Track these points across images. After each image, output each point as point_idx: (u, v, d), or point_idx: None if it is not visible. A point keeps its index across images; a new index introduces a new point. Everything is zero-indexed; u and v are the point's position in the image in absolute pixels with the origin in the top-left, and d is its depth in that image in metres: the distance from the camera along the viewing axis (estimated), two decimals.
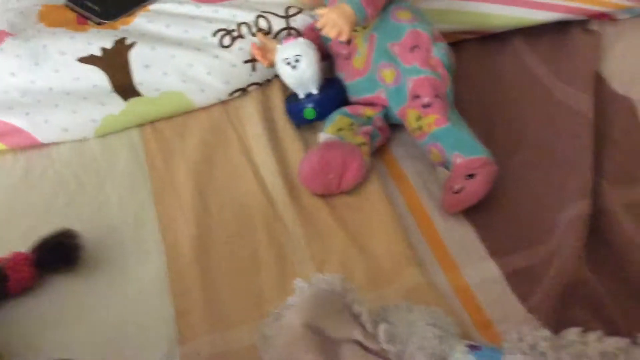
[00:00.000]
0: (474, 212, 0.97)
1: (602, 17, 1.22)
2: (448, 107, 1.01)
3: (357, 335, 0.65)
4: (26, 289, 0.90)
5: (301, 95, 1.09)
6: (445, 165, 0.98)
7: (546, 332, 0.68)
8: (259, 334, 0.67)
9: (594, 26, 1.22)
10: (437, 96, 1.00)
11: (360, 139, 1.02)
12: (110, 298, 0.92)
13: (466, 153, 0.96)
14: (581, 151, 1.00)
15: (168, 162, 1.09)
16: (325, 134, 1.03)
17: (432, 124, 0.99)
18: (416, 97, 1.01)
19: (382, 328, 0.66)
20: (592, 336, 0.67)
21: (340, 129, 1.03)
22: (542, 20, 1.20)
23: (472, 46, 1.24)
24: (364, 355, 0.63)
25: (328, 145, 1.00)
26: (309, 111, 1.08)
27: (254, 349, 0.84)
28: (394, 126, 1.10)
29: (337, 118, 1.06)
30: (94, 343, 0.85)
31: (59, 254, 0.92)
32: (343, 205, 1.01)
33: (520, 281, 0.89)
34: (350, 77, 1.09)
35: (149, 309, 0.90)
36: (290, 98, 1.12)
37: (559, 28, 1.23)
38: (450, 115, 1.00)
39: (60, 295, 0.92)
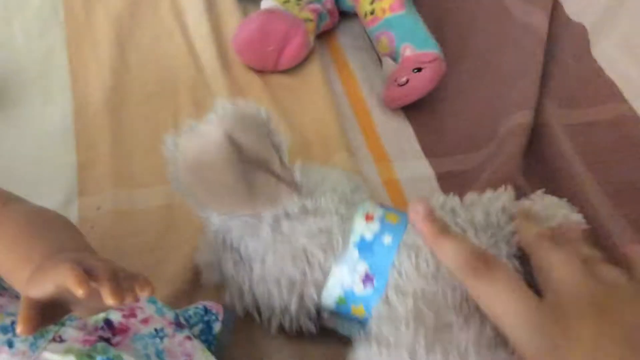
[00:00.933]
0: (414, 111, 0.92)
1: None
2: None
3: (274, 164, 0.58)
4: None
5: None
6: (393, 57, 0.92)
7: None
8: (167, 141, 0.59)
9: None
10: None
11: (307, 14, 0.94)
12: (6, 138, 0.81)
13: (417, 46, 0.90)
14: (530, 66, 0.96)
15: (88, 10, 0.97)
16: (268, 1, 0.94)
17: (386, 9, 0.92)
18: None
19: (298, 164, 0.61)
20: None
21: (286, 1, 0.95)
22: None
23: None
24: (277, 185, 0.57)
25: (271, 13, 0.91)
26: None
27: (160, 210, 0.77)
28: (343, 15, 1.02)
29: None
30: None
31: None
32: (277, 83, 0.93)
33: (452, 183, 0.85)
34: None
35: (49, 156, 0.81)
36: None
37: None
38: (407, 3, 0.93)
39: None
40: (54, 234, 0.51)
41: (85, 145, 0.82)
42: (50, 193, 0.76)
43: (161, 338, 0.53)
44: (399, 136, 0.89)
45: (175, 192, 0.63)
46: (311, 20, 0.94)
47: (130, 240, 0.74)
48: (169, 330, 0.54)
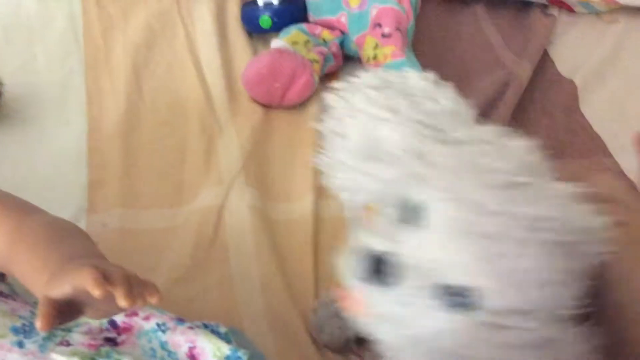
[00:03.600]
0: None
1: (562, 4, 1.25)
2: (406, 43, 1.00)
3: None
4: None
5: (260, 3, 1.05)
6: None
7: None
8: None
9: (553, 12, 1.25)
10: (398, 29, 0.99)
11: (314, 55, 0.99)
12: (21, 154, 0.86)
13: None
14: (503, 111, 1.02)
15: (107, 37, 1.03)
16: (278, 41, 1.00)
17: (388, 55, 0.98)
18: (378, 25, 1.00)
19: None
20: None
21: (295, 42, 1.00)
22: None
23: (434, 4, 1.24)
24: None
25: (280, 52, 0.97)
26: (265, 19, 1.04)
27: (164, 233, 0.81)
28: (346, 59, 1.08)
29: (294, 32, 1.03)
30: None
31: None
32: (280, 118, 0.98)
33: None
34: None
35: (61, 173, 0.85)
36: (248, 4, 1.08)
37: (521, 7, 1.25)
38: (407, 52, 0.99)
39: None
40: (70, 242, 0.55)
41: (97, 165, 0.87)
42: (61, 209, 0.80)
43: (163, 331, 0.57)
44: None
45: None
46: (317, 61, 0.99)
47: (132, 257, 0.78)
48: (170, 324, 0.58)
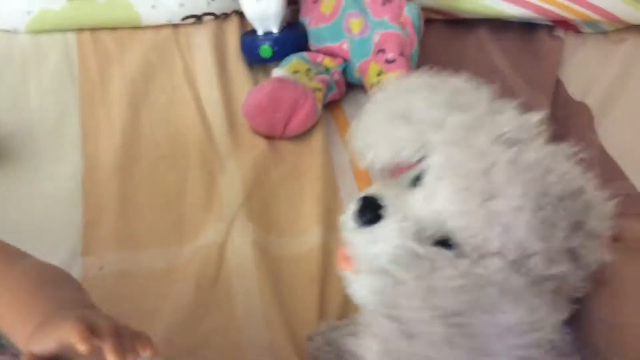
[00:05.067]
0: None
1: (568, 26, 1.22)
2: (411, 68, 0.97)
3: None
4: None
5: (260, 32, 1.03)
6: None
7: None
8: None
9: (560, 34, 1.22)
10: (402, 54, 0.96)
11: (316, 84, 0.96)
12: (14, 194, 0.83)
13: None
14: None
15: (103, 72, 1.00)
16: (279, 70, 0.97)
17: None
18: (381, 51, 0.97)
19: None
20: None
21: (296, 71, 0.97)
22: (511, 15, 1.19)
23: (438, 28, 1.21)
24: None
25: (281, 81, 0.93)
26: (266, 49, 1.01)
27: (164, 274, 0.77)
28: (349, 86, 1.05)
29: (295, 61, 1.00)
30: None
31: None
32: (283, 148, 0.94)
33: None
34: (315, 22, 1.03)
35: (55, 214, 0.82)
36: (248, 34, 1.05)
37: (526, 29, 1.22)
38: None
39: None
40: (57, 291, 0.51)
41: (93, 204, 0.83)
42: (55, 251, 0.77)
43: None
44: None
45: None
46: (320, 89, 0.96)
47: (130, 302, 0.74)
48: None
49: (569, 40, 1.22)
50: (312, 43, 1.04)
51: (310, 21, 1.04)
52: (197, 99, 0.98)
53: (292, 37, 1.03)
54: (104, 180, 0.86)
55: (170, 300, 0.74)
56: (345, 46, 1.01)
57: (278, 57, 1.01)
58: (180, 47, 1.06)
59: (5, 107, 0.92)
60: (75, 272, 0.75)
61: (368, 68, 0.98)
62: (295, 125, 0.93)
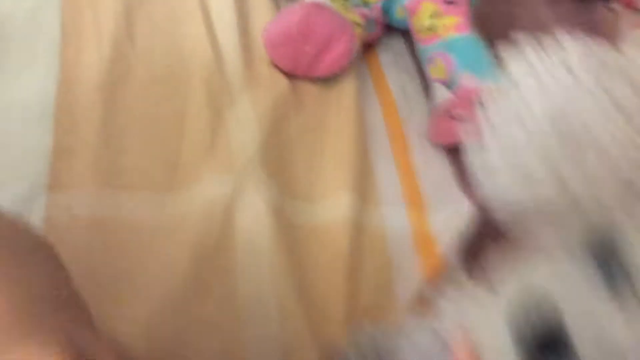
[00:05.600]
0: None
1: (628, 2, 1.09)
2: (469, 15, 0.80)
3: None
4: None
5: None
6: (448, 84, 0.78)
7: None
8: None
9: (616, 7, 1.09)
10: None
11: (355, 17, 0.79)
12: None
13: (481, 76, 0.76)
14: None
15: None
16: None
17: (450, 27, 0.78)
18: None
19: None
20: None
21: (335, 2, 0.79)
22: None
23: None
24: None
25: (317, 7, 0.76)
26: None
27: (151, 226, 0.60)
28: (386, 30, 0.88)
29: None
30: None
31: None
32: (307, 91, 0.77)
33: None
34: None
35: (17, 132, 0.63)
36: None
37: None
38: (473, 27, 0.80)
39: None
40: (26, 270, 0.34)
41: (66, 126, 0.65)
42: (13, 181, 0.59)
43: None
44: (439, 180, 0.75)
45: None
46: (359, 24, 0.79)
47: (103, 260, 0.57)
48: None
49: (625, 16, 1.10)
50: None
51: None
52: (206, 13, 0.79)
53: None
54: (83, 97, 0.67)
55: (155, 264, 0.58)
56: None
57: None
58: None
59: None
60: (38, 211, 0.58)
61: (420, 7, 0.81)
62: (326, 65, 0.76)
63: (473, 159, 0.38)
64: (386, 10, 0.85)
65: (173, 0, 0.80)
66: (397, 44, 0.88)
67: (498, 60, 0.60)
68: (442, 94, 0.77)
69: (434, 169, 0.76)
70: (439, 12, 0.79)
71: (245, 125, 0.70)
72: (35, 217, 0.57)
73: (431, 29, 0.79)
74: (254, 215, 0.62)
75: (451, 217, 0.69)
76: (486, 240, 0.58)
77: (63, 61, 0.69)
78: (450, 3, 0.79)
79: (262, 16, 0.82)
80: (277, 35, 0.75)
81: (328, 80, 0.79)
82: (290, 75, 0.77)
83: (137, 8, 0.77)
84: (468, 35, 0.78)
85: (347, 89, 0.78)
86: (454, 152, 0.78)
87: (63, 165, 0.62)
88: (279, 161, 0.69)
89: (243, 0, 0.83)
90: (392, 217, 0.68)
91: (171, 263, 0.58)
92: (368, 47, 0.86)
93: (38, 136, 0.63)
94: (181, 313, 0.55)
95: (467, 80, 0.76)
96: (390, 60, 0.86)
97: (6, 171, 0.59)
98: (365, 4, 0.83)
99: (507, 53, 0.39)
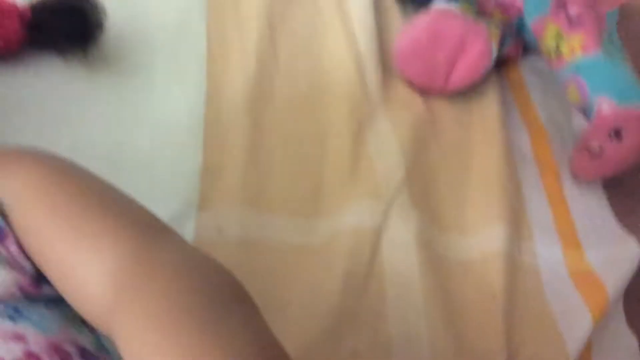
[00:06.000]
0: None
1: None
2: (603, 30, 0.73)
3: None
4: (6, 54, 0.61)
5: None
6: (586, 111, 0.71)
7: None
8: None
9: None
10: (589, 10, 0.72)
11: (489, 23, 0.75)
12: (121, 115, 0.64)
13: (618, 98, 0.68)
14: None
15: None
16: (441, 2, 0.75)
17: (576, 48, 0.71)
18: (562, 6, 0.73)
19: None
20: None
21: (464, 9, 0.76)
22: None
23: None
24: None
25: (443, 13, 0.72)
26: None
27: (293, 252, 0.59)
28: (526, 50, 0.83)
29: (460, 2, 0.78)
30: (85, 157, 0.58)
31: (67, 23, 0.62)
32: (443, 112, 0.74)
33: None
34: None
35: (169, 148, 0.63)
36: None
37: None
38: (605, 43, 0.72)
39: (56, 80, 0.63)
40: (224, 326, 0.31)
41: (216, 145, 0.65)
42: (165, 199, 0.59)
43: None
44: (594, 214, 0.70)
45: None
46: (497, 27, 0.75)
47: (253, 282, 0.56)
48: None
49: None
50: None
51: None
52: (347, 28, 0.77)
53: None
54: (231, 115, 0.67)
55: (306, 292, 0.56)
56: None
57: None
58: None
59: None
60: (188, 232, 0.58)
61: (544, 28, 0.75)
62: (462, 73, 0.72)
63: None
64: (520, 28, 0.80)
65: (314, 16, 0.79)
66: (540, 63, 0.83)
67: None
68: (579, 123, 0.73)
69: (589, 203, 0.71)
70: (562, 33, 0.73)
71: (388, 147, 0.68)
72: (186, 236, 0.57)
73: (557, 51, 0.73)
74: (402, 247, 0.60)
75: (614, 255, 0.64)
76: None
77: (209, 77, 0.69)
78: (573, 21, 0.72)
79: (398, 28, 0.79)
80: (407, 47, 0.73)
81: (467, 100, 0.76)
82: (425, 94, 0.74)
83: (279, 24, 0.76)
84: (598, 54, 0.71)
85: (489, 110, 0.75)
86: (611, 184, 0.73)
87: (213, 184, 0.62)
88: (424, 188, 0.67)
89: (381, 14, 0.81)
90: (546, 252, 0.65)
91: (322, 292, 0.56)
92: (512, 67, 0.82)
93: (189, 154, 0.63)
94: (333, 345, 0.53)
95: (603, 104, 0.69)
96: (536, 82, 0.82)
97: (158, 189, 0.60)
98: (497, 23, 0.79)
99: None
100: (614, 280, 0.62)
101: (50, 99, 0.62)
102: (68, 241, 0.34)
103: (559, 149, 0.75)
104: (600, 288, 0.63)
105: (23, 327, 0.34)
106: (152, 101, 0.66)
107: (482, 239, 0.63)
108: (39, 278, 0.36)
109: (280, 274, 0.58)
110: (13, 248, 0.35)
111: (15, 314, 0.34)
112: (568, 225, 0.68)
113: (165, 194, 0.59)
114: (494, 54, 0.74)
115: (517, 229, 0.65)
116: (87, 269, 0.33)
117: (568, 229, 0.68)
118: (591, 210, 0.70)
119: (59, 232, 0.34)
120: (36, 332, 0.34)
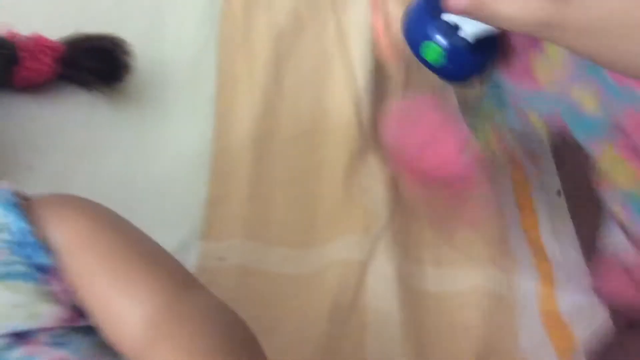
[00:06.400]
0: None
1: None
2: None
3: None
4: (37, 85, 0.67)
5: (445, 18, 0.55)
6: (626, 230, 0.67)
7: None
8: None
9: None
10: None
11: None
12: (137, 145, 0.71)
13: None
14: None
15: (248, 12, 0.85)
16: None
17: (631, 178, 0.65)
18: (623, 133, 0.63)
19: None
20: None
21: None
22: None
23: None
24: None
25: (425, 101, 0.75)
26: (433, 50, 0.56)
27: (292, 282, 0.66)
28: None
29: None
30: (103, 183, 0.65)
31: (97, 62, 0.68)
32: None
33: None
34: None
35: (179, 179, 0.70)
36: (420, 9, 0.58)
37: None
38: None
39: (81, 111, 0.69)
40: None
41: (221, 178, 0.71)
42: (171, 228, 0.65)
43: None
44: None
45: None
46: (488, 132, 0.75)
47: (251, 306, 0.63)
48: None
49: None
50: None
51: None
52: (348, 69, 0.82)
53: (480, 60, 0.59)
54: (237, 149, 0.73)
55: (297, 320, 0.63)
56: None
57: (448, 73, 0.59)
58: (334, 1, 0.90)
59: (136, 34, 0.76)
60: (191, 260, 0.64)
61: (600, 150, 0.65)
62: (431, 169, 0.70)
63: None
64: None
65: (318, 55, 0.84)
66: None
67: None
68: (617, 240, 0.69)
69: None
70: (619, 160, 0.64)
71: (376, 184, 0.74)
72: (189, 265, 0.63)
73: (608, 176, 0.66)
74: (384, 280, 0.66)
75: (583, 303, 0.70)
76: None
77: (218, 115, 0.75)
78: (636, 152, 0.63)
79: None
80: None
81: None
82: None
83: (286, 59, 0.82)
84: None
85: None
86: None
87: (217, 215, 0.68)
88: (407, 226, 0.73)
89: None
90: (524, 285, 0.70)
91: (310, 321, 0.63)
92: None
93: (196, 185, 0.69)
94: None
95: None
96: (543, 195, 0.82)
97: (168, 217, 0.66)
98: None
99: None
100: (582, 329, 0.68)
101: (74, 128, 0.68)
102: (112, 286, 0.41)
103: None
104: (568, 333, 0.68)
105: (65, 354, 0.41)
106: (166, 135, 0.72)
107: (460, 274, 0.70)
108: (79, 311, 0.43)
109: (274, 301, 0.64)
110: (62, 286, 0.42)
111: (58, 341, 0.41)
112: (546, 263, 0.74)
113: (173, 222, 0.66)
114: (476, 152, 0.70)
115: (499, 262, 0.71)
116: (128, 311, 0.40)
117: (546, 266, 0.73)
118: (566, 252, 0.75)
119: (104, 278, 0.41)
120: (75, 358, 0.41)
